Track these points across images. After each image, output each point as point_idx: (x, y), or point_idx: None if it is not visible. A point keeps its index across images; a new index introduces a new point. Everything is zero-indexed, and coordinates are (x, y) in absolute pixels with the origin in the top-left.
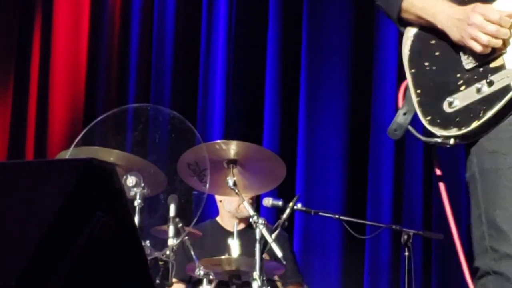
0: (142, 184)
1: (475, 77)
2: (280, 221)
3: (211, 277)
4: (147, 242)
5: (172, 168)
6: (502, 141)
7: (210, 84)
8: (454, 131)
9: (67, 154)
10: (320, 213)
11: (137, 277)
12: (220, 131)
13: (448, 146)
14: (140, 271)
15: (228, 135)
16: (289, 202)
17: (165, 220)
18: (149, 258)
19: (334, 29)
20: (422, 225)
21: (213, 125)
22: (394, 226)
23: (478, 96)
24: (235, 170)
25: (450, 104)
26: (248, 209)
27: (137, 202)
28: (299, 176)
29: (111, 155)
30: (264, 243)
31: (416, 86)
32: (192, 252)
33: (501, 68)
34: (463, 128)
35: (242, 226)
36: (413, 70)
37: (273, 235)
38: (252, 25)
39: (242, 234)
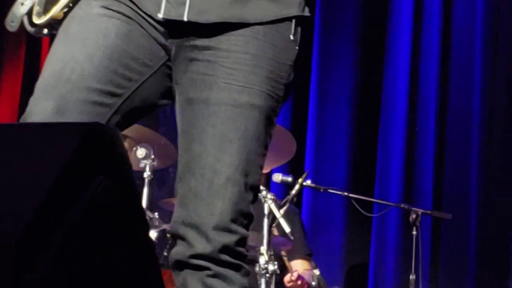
0: (152, 156)
1: None
2: (289, 197)
3: None
4: (156, 214)
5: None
6: None
7: None
8: (43, 19)
9: None
10: (329, 190)
11: (137, 242)
12: None
13: (43, 35)
14: (141, 236)
15: None
16: (298, 178)
17: (174, 192)
18: (157, 230)
19: (347, 5)
20: (432, 205)
21: None
22: (402, 205)
23: None
24: None
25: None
26: None
27: (146, 174)
28: (308, 153)
29: None
30: (272, 218)
31: None
32: None
33: None
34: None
35: None
36: None
37: (282, 211)
38: None
39: None
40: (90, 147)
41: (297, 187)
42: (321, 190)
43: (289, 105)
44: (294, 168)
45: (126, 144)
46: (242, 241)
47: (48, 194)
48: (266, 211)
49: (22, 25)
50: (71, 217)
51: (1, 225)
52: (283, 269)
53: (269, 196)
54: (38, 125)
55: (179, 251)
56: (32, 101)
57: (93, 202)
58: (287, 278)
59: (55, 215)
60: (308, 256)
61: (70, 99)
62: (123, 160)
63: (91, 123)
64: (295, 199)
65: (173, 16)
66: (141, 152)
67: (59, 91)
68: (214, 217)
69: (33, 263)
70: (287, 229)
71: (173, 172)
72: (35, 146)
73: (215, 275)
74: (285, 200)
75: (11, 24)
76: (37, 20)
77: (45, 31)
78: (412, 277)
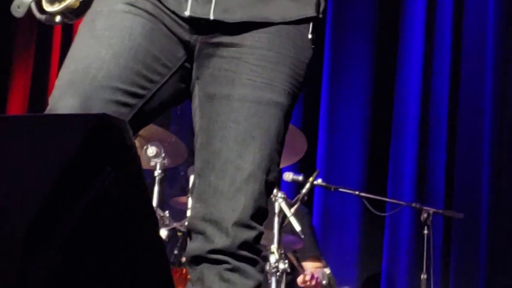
0: (163, 155)
1: None
2: (300, 196)
3: None
4: (166, 212)
5: (193, 139)
6: None
7: None
8: (56, 6)
9: None
10: (340, 189)
11: (146, 234)
12: None
13: (54, 24)
14: (149, 228)
15: None
16: (309, 177)
17: (185, 191)
18: (168, 228)
19: (360, 3)
20: (444, 204)
21: None
22: (414, 204)
23: None
24: None
25: None
26: None
27: (157, 172)
28: (320, 151)
29: None
30: (283, 217)
31: None
32: None
33: None
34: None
35: None
36: None
37: (292, 210)
38: None
39: None
40: (98, 139)
41: (307, 186)
42: (332, 189)
43: (300, 103)
44: (305, 167)
45: (137, 142)
46: (259, 237)
47: (56, 185)
48: (276, 210)
49: (31, 15)
50: (79, 209)
51: (9, 217)
52: (294, 269)
53: (280, 195)
54: (47, 116)
55: (196, 246)
56: (56, 95)
57: (101, 194)
58: (300, 279)
59: (63, 207)
60: (318, 256)
61: (95, 97)
62: (131, 152)
63: (99, 114)
64: (306, 198)
65: (199, 14)
66: (151, 150)
67: (85, 89)
68: (235, 213)
69: (39, 255)
70: (297, 227)
71: (184, 171)
72: (44, 137)
73: (233, 269)
74: (295, 199)
75: (18, 10)
76: (48, 8)
77: (58, 19)
78: (423, 276)
